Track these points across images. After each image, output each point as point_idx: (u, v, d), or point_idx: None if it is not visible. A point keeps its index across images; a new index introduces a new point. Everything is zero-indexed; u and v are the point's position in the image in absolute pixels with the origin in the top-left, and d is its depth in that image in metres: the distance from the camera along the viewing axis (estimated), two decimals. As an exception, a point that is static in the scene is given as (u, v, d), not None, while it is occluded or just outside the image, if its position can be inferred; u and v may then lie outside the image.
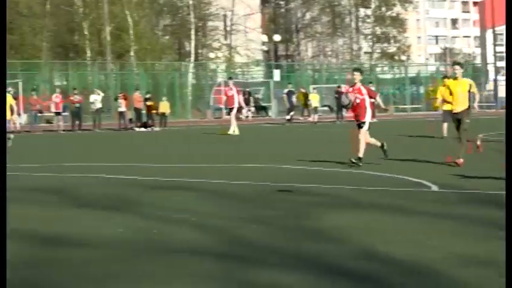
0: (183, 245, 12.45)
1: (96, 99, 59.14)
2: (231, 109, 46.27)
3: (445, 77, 35.98)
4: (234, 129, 45.33)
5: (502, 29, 79.19)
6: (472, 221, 13.54)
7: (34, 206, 17.01)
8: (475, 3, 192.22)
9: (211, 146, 37.49)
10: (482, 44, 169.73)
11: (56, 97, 58.95)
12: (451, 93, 24.21)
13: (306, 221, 14.32)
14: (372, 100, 24.44)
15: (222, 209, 16.18)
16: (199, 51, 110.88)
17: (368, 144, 23.84)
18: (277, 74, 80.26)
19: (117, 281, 10.15)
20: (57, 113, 58.01)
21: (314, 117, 67.02)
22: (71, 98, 58.51)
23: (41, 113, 61.55)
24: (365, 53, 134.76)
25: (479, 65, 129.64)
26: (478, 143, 26.16)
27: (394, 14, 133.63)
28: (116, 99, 61.62)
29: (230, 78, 55.23)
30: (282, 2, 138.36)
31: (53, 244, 12.69)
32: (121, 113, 59.58)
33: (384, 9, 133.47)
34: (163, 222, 14.51)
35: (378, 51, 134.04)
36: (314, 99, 68.61)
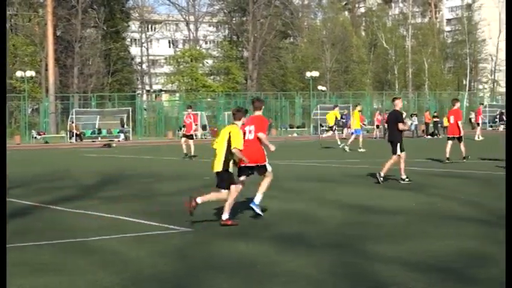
0: (452, 213, 12.33)
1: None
2: None
3: None
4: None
5: None
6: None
7: (361, 187, 17.46)
8: None
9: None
10: None
11: (378, 115, 59.94)
12: None
13: None
14: None
15: (483, 191, 15.82)
16: (472, 84, 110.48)
17: None
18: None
19: (405, 238, 10.19)
20: (377, 126, 57.96)
21: None
22: (384, 116, 56.09)
23: (364, 125, 59.11)
24: None
25: None
26: None
27: None
28: (412, 116, 61.17)
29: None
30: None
31: (368, 211, 12.89)
32: (416, 126, 58.87)
33: None
34: (442, 198, 14.45)
35: None
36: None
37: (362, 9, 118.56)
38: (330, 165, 25.40)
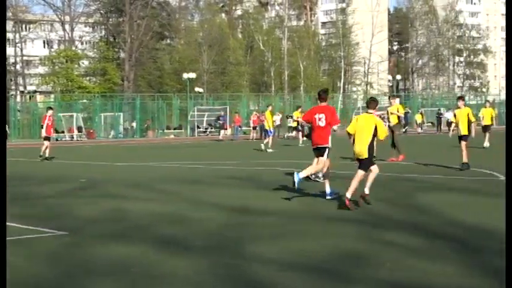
0: (331, 214, 12.57)
1: (277, 118, 58.12)
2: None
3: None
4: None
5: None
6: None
7: (236, 188, 17.51)
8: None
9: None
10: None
11: (253, 116, 59.60)
12: None
13: (412, 200, 14.35)
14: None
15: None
16: (346, 86, 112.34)
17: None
18: (397, 101, 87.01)
19: (283, 238, 10.30)
20: (254, 128, 57.85)
21: (420, 130, 68.84)
22: (261, 117, 56.46)
23: (240, 127, 63.64)
24: (458, 86, 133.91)
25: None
26: None
27: (478, 60, 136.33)
28: (287, 117, 63.26)
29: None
30: (402, 53, 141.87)
31: (245, 213, 12.97)
32: (290, 127, 59.96)
33: (472, 57, 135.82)
34: (321, 199, 14.50)
35: (466, 85, 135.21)
36: (419, 118, 72.38)
37: (239, 12, 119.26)
38: (206, 167, 25.36)
